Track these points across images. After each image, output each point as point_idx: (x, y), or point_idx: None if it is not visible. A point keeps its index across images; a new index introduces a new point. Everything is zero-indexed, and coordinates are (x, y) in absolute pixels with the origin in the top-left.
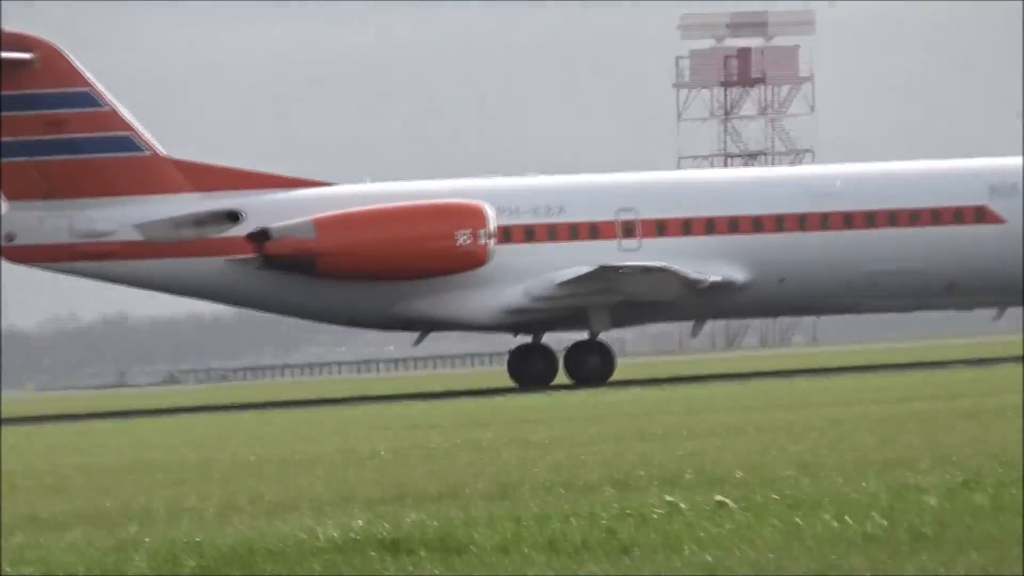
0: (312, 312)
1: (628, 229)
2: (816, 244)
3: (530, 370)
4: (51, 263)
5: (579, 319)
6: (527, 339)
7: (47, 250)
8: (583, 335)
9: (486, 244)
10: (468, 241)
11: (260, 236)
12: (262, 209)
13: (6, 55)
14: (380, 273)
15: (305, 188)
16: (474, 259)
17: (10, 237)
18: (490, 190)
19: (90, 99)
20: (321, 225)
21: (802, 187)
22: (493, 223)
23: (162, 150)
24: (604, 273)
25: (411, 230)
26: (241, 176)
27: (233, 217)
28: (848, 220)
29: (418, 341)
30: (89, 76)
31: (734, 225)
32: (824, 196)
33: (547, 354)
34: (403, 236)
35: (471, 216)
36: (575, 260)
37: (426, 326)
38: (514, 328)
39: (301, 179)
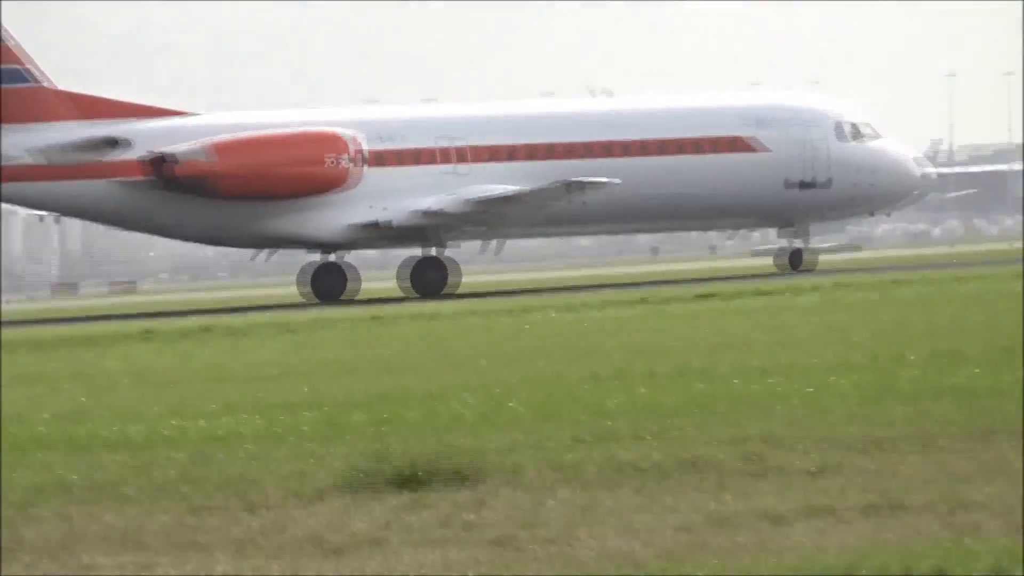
0: (187, 231)
1: (461, 155)
2: (611, 168)
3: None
4: None
5: (424, 237)
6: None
7: None
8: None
9: (348, 168)
10: (338, 164)
11: (160, 160)
12: (146, 136)
13: None
14: (269, 193)
15: (179, 117)
16: (342, 180)
17: None
18: (347, 120)
19: None
20: (219, 149)
21: (598, 120)
22: (355, 149)
23: (53, 82)
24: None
25: (294, 154)
26: (123, 106)
27: (112, 143)
28: (642, 148)
29: (268, 257)
30: None
31: (549, 151)
32: (615, 127)
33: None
34: (289, 159)
35: (338, 142)
36: (418, 184)
37: (284, 243)
38: (364, 244)
39: (174, 110)
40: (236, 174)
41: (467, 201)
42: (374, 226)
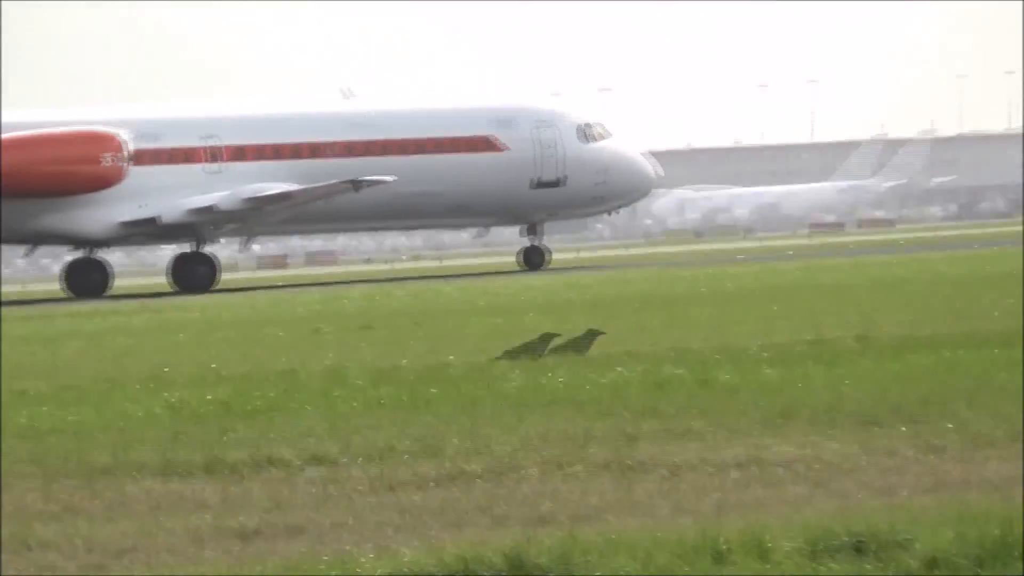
0: None
1: (214, 155)
2: (357, 167)
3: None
4: None
5: (192, 234)
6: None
7: None
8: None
9: (123, 167)
10: (113, 163)
11: None
12: None
13: None
14: (48, 191)
15: None
16: (116, 178)
17: None
18: (116, 120)
19: None
20: (6, 147)
21: (347, 120)
22: (128, 148)
23: None
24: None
25: (73, 153)
26: None
27: None
28: (383, 148)
29: (27, 254)
30: None
31: (295, 151)
32: (362, 127)
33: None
34: (68, 158)
35: (108, 142)
36: (175, 182)
37: (50, 240)
38: (133, 240)
39: None
40: (22, 171)
41: (243, 199)
42: (144, 223)
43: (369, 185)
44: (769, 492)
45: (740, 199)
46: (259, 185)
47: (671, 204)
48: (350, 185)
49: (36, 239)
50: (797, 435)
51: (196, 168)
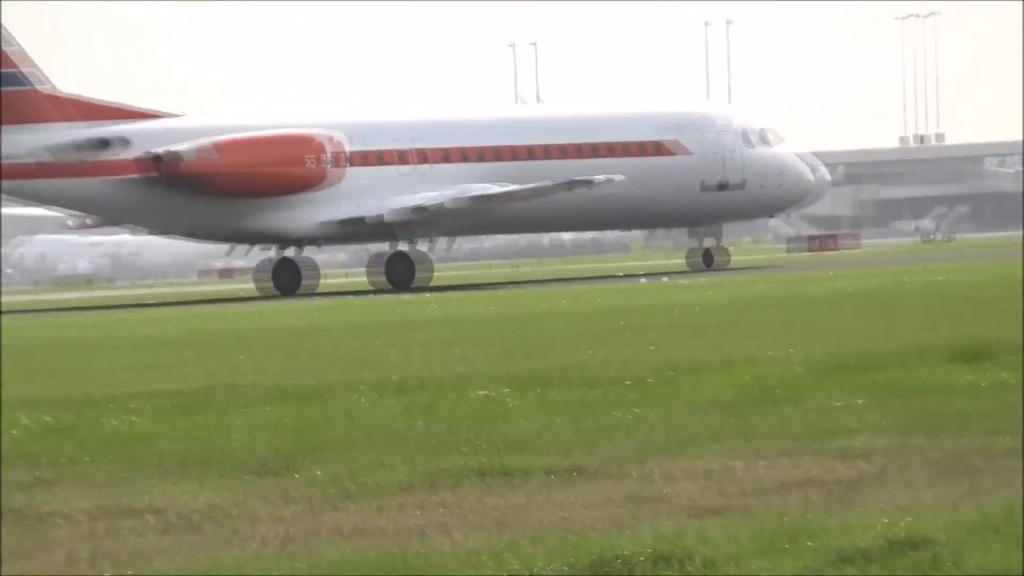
0: (177, 227)
1: (422, 157)
2: (546, 170)
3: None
4: None
5: (399, 233)
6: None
7: None
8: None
9: (330, 167)
10: (320, 164)
11: (160, 159)
12: (141, 136)
13: None
14: (261, 191)
15: (168, 119)
16: (322, 179)
17: None
18: (331, 124)
19: None
20: (219, 149)
21: (538, 125)
22: (332, 151)
23: (54, 85)
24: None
25: (284, 154)
26: (116, 110)
27: (105, 144)
28: (571, 151)
29: (247, 252)
30: None
31: (494, 154)
32: (551, 132)
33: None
34: (279, 159)
35: (315, 145)
36: (385, 183)
37: (263, 239)
38: (335, 240)
39: (163, 112)
40: (236, 172)
41: (462, 199)
42: (355, 222)
43: (589, 185)
44: None
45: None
46: (482, 185)
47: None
48: (570, 185)
49: (247, 238)
50: None
51: (405, 169)
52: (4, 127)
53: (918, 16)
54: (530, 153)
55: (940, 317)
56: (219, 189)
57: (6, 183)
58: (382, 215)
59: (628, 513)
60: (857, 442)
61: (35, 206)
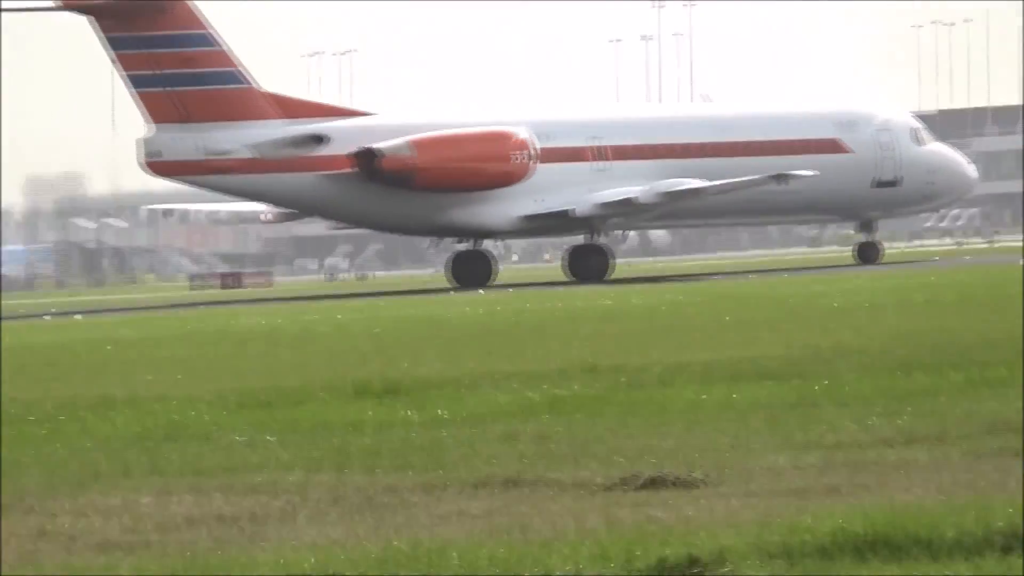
0: (381, 221)
1: (611, 153)
2: (717, 167)
3: (473, 272)
4: (184, 176)
5: (592, 226)
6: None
7: (182, 165)
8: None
9: (528, 163)
10: (519, 160)
11: (367, 154)
12: (341, 134)
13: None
14: (461, 186)
15: (364, 117)
16: (523, 174)
17: (155, 154)
18: (516, 120)
19: (208, 40)
20: (419, 145)
21: (711, 124)
22: (532, 147)
23: (258, 84)
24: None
25: (485, 150)
26: (319, 107)
27: (318, 140)
28: (742, 149)
29: (430, 245)
30: (206, 20)
31: (684, 151)
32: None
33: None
34: (480, 155)
35: (518, 142)
36: (570, 179)
37: (461, 233)
38: (531, 233)
39: (359, 111)
40: (434, 168)
41: (660, 193)
42: (549, 216)
43: (791, 180)
44: None
45: None
46: (675, 180)
47: None
48: (773, 180)
49: (445, 232)
50: None
51: (584, 166)
52: (218, 124)
53: None
54: (714, 150)
55: (349, 354)
56: (427, 184)
57: (215, 178)
58: (584, 209)
59: (37, 550)
60: (265, 478)
61: (233, 201)
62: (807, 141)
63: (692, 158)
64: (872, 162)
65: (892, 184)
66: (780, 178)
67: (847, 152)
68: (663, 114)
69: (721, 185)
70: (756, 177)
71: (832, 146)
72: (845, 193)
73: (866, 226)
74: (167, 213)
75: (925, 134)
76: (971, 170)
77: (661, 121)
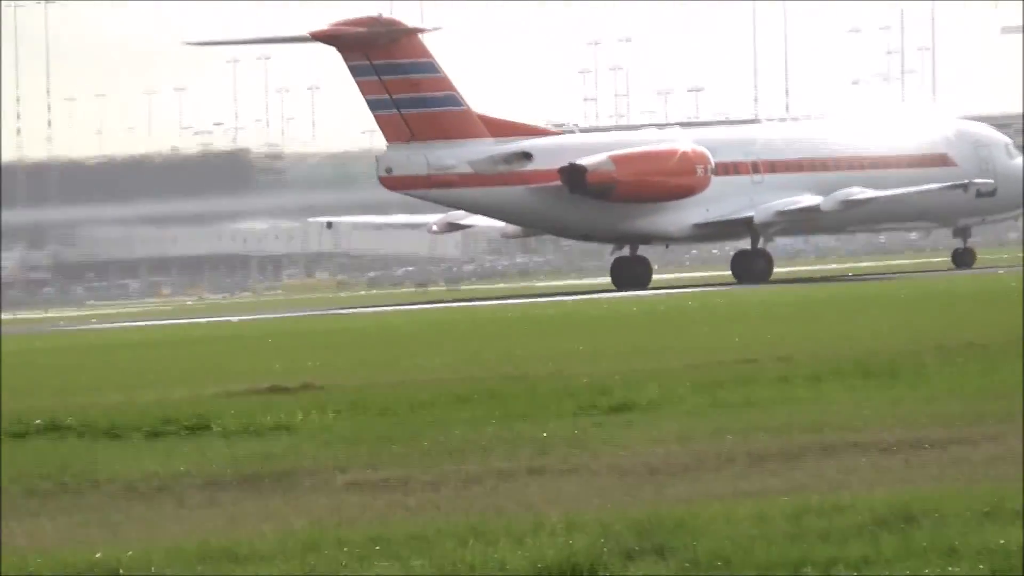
0: (578, 230)
1: (756, 167)
2: (841, 180)
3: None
4: (413, 190)
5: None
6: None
7: (412, 180)
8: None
9: (708, 176)
10: (702, 174)
11: (573, 169)
12: (541, 151)
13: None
14: (654, 197)
15: (561, 135)
16: (704, 186)
17: (388, 170)
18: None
19: (432, 67)
20: (617, 161)
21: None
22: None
23: (471, 106)
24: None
25: (676, 166)
26: (521, 127)
27: (527, 156)
28: (862, 163)
29: (614, 252)
30: (428, 48)
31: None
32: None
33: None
34: (672, 169)
35: (702, 157)
36: (725, 192)
37: (638, 239)
38: (701, 239)
39: (555, 130)
40: (634, 180)
41: (841, 201)
42: (726, 223)
43: (974, 187)
44: None
45: None
46: (851, 189)
47: None
48: (958, 188)
49: (627, 239)
50: None
51: (745, 179)
52: (440, 143)
53: None
54: (845, 164)
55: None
56: (626, 196)
57: (437, 192)
58: (764, 216)
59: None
60: None
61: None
62: (922, 156)
63: (827, 171)
64: (974, 175)
65: (991, 195)
66: (963, 186)
67: (954, 166)
68: (800, 134)
69: (894, 194)
70: (936, 185)
71: (942, 160)
72: (952, 202)
73: (962, 232)
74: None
75: (1014, 149)
76: None
77: (799, 139)
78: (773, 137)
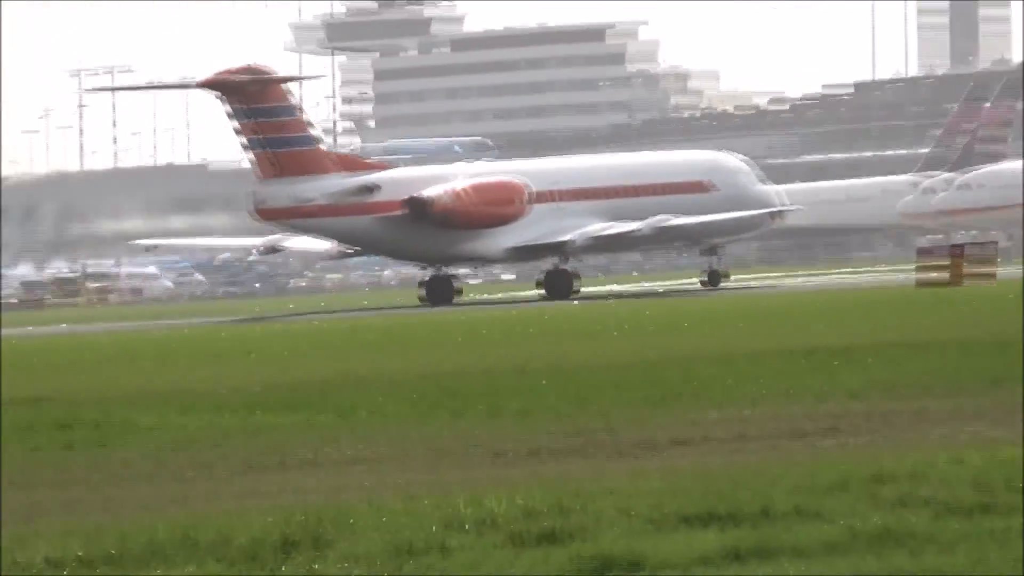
0: (413, 254)
1: (559, 196)
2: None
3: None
4: (282, 220)
5: (566, 253)
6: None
7: (280, 211)
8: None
9: (525, 206)
10: (525, 203)
11: (416, 200)
12: (390, 183)
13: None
14: (485, 224)
15: (403, 169)
16: (526, 213)
17: (260, 201)
18: (524, 170)
19: (293, 111)
20: (457, 193)
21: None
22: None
23: (325, 143)
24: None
25: (502, 196)
26: (362, 162)
27: (374, 189)
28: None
29: (436, 271)
30: (289, 94)
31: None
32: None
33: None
34: (500, 199)
35: (523, 187)
36: (536, 218)
37: (464, 261)
38: (519, 260)
39: (381, 164)
40: (470, 211)
41: (657, 228)
42: (543, 247)
43: (782, 216)
44: None
45: None
46: (664, 216)
47: None
48: (771, 215)
49: (451, 260)
50: None
51: (550, 206)
52: (301, 178)
53: None
54: (629, 192)
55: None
56: (465, 223)
57: (302, 221)
58: (581, 241)
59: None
60: None
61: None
62: (691, 183)
63: (614, 199)
64: (732, 199)
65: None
66: (775, 214)
67: (717, 191)
68: (590, 164)
69: (710, 220)
70: (757, 212)
71: (706, 186)
72: (713, 223)
73: (714, 250)
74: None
75: (760, 175)
76: (786, 204)
77: (591, 169)
78: (565, 169)
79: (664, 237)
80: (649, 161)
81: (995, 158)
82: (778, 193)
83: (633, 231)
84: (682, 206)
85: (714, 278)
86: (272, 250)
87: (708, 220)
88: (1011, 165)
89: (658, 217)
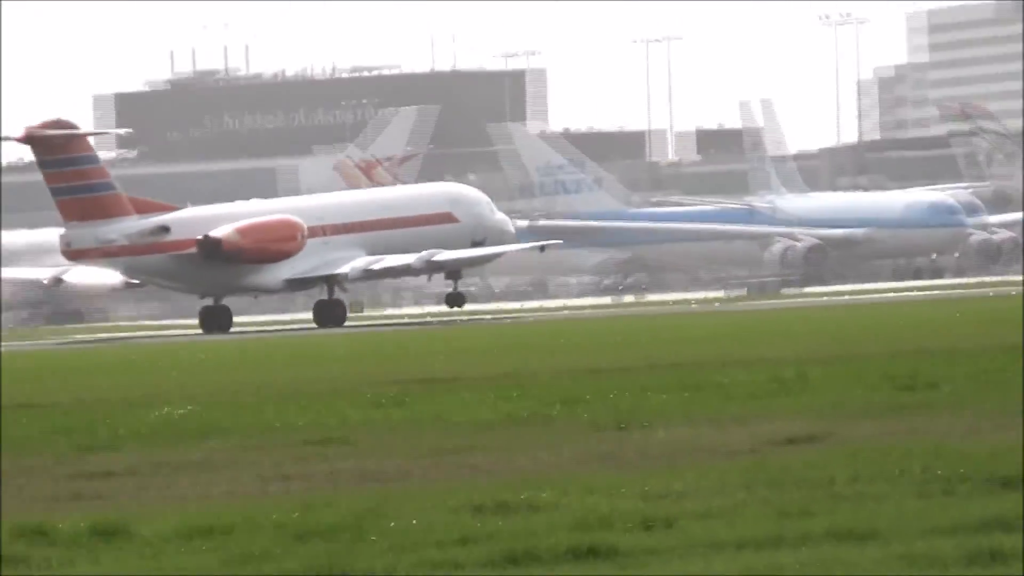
0: (206, 288)
1: (324, 230)
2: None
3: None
4: (87, 259)
5: (335, 284)
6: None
7: (85, 252)
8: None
9: (302, 242)
10: (301, 239)
11: (208, 240)
12: (179, 223)
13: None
14: (269, 259)
15: (189, 209)
16: (302, 248)
17: (68, 243)
18: (297, 207)
19: (95, 160)
20: (242, 232)
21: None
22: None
23: (121, 190)
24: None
25: (285, 233)
26: (153, 204)
27: (166, 229)
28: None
29: (217, 301)
30: (92, 143)
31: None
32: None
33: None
34: (282, 237)
35: (300, 224)
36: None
37: (247, 291)
38: (293, 290)
39: (171, 205)
40: (256, 247)
41: (428, 262)
42: (316, 279)
43: (546, 248)
44: None
45: None
46: (434, 250)
47: None
48: (540, 248)
49: (238, 291)
50: None
51: (318, 240)
52: (102, 221)
53: None
54: (382, 224)
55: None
56: (252, 259)
57: (107, 260)
58: (355, 274)
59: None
60: None
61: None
62: (439, 215)
63: (373, 231)
64: (471, 228)
65: (482, 243)
66: (542, 247)
67: (458, 221)
68: (351, 199)
69: (483, 255)
70: (534, 244)
71: (451, 217)
72: (475, 256)
73: (455, 275)
74: None
75: (494, 206)
76: (510, 227)
77: (349, 205)
78: (329, 205)
79: (431, 268)
80: (400, 195)
81: None
82: (513, 222)
83: (405, 265)
84: (432, 237)
85: (457, 299)
86: (59, 281)
87: (472, 255)
88: None
89: (427, 252)
